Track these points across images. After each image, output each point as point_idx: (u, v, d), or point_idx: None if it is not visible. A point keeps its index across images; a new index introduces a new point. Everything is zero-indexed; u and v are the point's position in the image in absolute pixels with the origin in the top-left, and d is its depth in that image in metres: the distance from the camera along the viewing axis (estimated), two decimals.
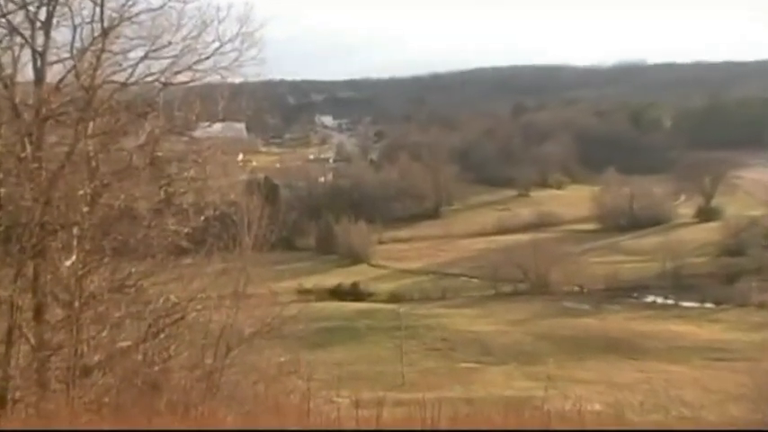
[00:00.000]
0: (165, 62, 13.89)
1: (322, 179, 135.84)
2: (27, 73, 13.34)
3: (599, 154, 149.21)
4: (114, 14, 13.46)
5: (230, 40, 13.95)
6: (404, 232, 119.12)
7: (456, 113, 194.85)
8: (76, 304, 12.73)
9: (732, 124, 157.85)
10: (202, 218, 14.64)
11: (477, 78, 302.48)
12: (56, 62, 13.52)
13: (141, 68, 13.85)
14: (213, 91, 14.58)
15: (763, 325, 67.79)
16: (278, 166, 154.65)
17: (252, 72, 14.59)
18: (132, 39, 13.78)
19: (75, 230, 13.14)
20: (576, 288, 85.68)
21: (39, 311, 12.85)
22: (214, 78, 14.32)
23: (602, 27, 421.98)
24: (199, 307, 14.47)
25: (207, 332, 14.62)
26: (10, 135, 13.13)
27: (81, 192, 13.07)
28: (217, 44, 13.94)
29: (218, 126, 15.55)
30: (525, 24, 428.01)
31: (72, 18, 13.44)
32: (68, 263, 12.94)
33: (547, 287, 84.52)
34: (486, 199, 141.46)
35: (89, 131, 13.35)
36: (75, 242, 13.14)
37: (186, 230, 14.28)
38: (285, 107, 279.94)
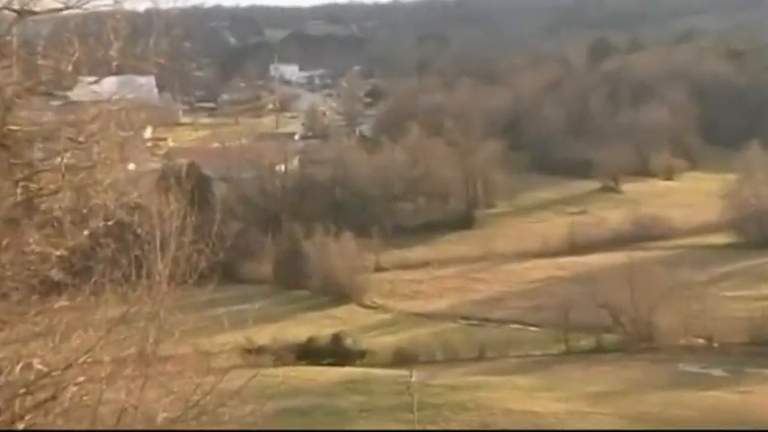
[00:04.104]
0: None
1: (282, 167, 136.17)
2: None
3: (733, 121, 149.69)
4: None
5: None
6: (416, 251, 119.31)
7: (498, 60, 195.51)
8: None
9: None
10: (86, 232, 14.58)
11: (530, 3, 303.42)
12: None
13: None
14: (101, 25, 14.51)
15: None
16: (211, 145, 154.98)
17: None
18: None
19: None
20: (701, 341, 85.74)
21: None
22: (103, 3, 14.26)
23: None
24: (81, 378, 14.38)
25: (95, 418, 14.54)
26: None
27: None
28: None
29: (110, 82, 15.49)
30: None
31: None
32: None
33: (652, 340, 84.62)
34: (548, 196, 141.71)
35: None
36: None
37: (59, 253, 14.22)
38: (222, 51, 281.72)
